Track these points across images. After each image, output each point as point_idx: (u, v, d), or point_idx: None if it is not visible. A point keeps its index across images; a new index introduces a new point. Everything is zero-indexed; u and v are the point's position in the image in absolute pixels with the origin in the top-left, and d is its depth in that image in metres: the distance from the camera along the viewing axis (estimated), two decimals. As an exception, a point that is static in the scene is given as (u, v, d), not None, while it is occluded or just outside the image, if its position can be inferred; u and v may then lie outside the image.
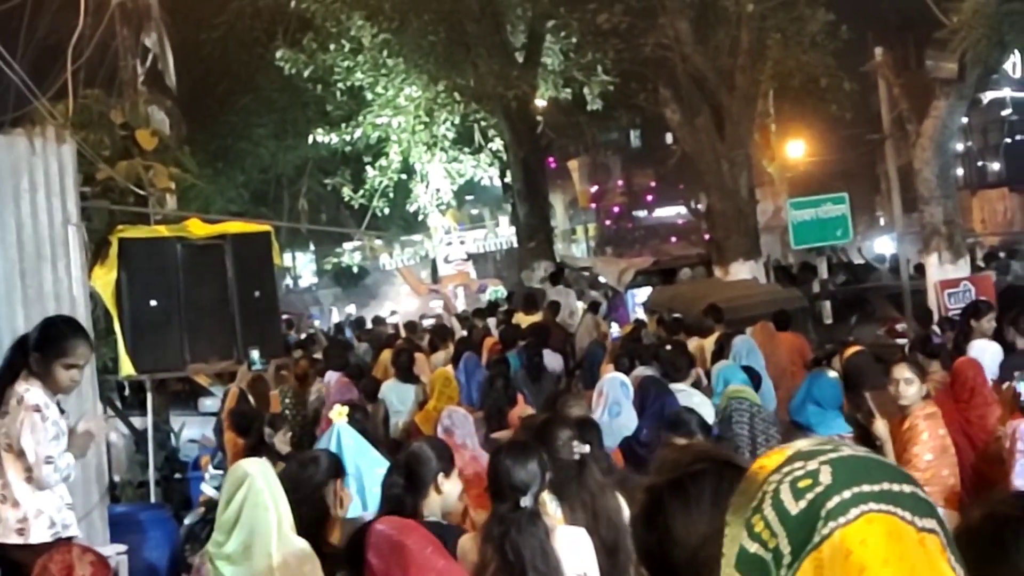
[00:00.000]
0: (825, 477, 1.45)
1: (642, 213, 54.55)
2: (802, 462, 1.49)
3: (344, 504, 4.99)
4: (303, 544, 4.43)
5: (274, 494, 4.43)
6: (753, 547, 1.45)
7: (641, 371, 9.41)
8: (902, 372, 6.76)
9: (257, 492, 4.40)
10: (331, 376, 11.65)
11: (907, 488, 1.48)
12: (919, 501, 1.47)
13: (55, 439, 5.69)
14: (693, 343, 11.55)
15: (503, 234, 33.43)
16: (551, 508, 4.63)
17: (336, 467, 5.12)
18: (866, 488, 1.46)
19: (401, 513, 4.51)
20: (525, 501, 4.26)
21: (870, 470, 1.50)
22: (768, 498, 1.46)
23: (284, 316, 22.65)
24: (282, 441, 8.22)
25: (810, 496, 1.43)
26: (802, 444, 1.55)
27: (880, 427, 6.64)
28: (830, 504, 1.42)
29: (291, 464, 5.37)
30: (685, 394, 8.05)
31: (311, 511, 4.76)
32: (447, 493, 4.65)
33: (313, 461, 5.11)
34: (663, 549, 1.99)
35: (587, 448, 4.81)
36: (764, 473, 1.49)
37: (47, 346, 5.77)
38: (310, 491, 4.85)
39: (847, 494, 1.46)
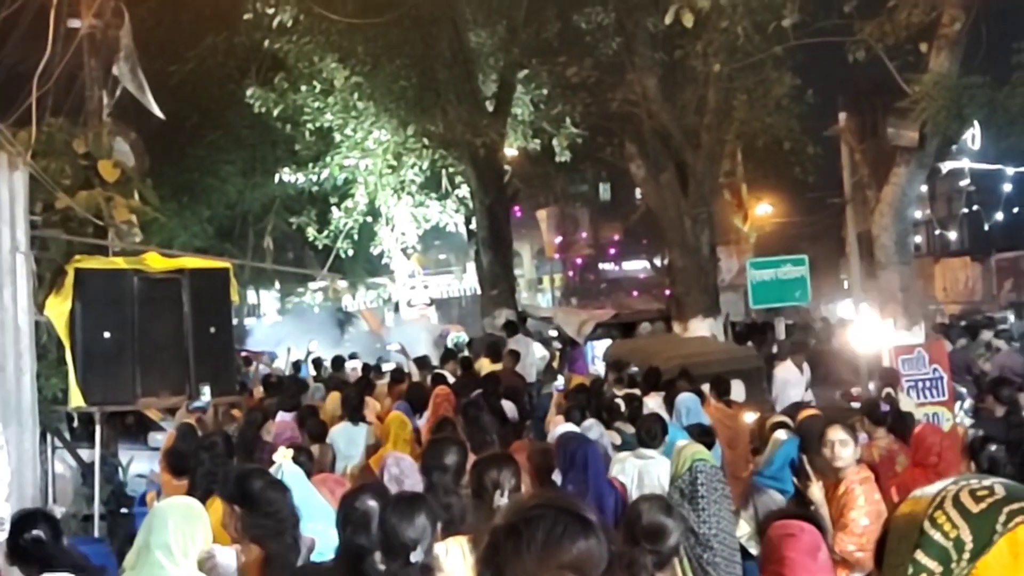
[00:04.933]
0: (1000, 491, 1.71)
1: (607, 266, 54.64)
2: (976, 480, 1.72)
3: None
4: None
5: (180, 531, 4.43)
6: (936, 535, 1.71)
7: (591, 424, 9.42)
8: (836, 434, 6.69)
9: (157, 531, 4.42)
10: (281, 417, 11.55)
11: None
12: None
13: None
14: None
15: (468, 281, 33.37)
16: (446, 559, 4.55)
17: None
18: None
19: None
20: (414, 556, 4.24)
21: None
22: (948, 500, 1.74)
23: (243, 353, 22.51)
24: None
25: (989, 500, 1.69)
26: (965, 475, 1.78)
27: (815, 491, 6.64)
28: (1009, 508, 1.64)
29: None
30: (655, 462, 8.02)
31: None
32: None
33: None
34: None
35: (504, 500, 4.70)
36: (919, 508, 1.76)
37: None
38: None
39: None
